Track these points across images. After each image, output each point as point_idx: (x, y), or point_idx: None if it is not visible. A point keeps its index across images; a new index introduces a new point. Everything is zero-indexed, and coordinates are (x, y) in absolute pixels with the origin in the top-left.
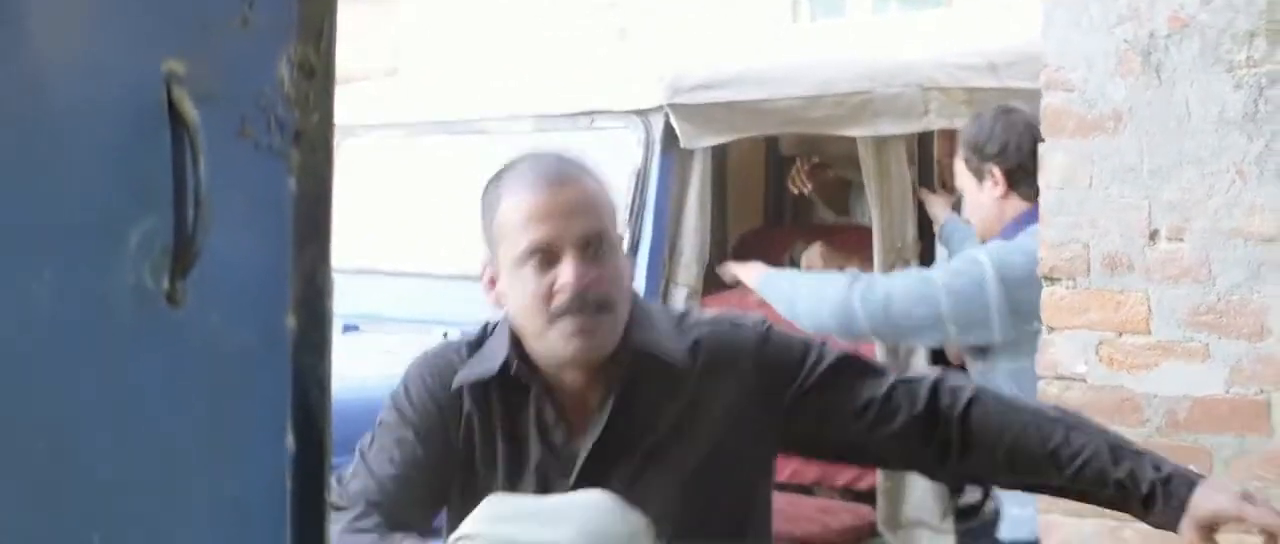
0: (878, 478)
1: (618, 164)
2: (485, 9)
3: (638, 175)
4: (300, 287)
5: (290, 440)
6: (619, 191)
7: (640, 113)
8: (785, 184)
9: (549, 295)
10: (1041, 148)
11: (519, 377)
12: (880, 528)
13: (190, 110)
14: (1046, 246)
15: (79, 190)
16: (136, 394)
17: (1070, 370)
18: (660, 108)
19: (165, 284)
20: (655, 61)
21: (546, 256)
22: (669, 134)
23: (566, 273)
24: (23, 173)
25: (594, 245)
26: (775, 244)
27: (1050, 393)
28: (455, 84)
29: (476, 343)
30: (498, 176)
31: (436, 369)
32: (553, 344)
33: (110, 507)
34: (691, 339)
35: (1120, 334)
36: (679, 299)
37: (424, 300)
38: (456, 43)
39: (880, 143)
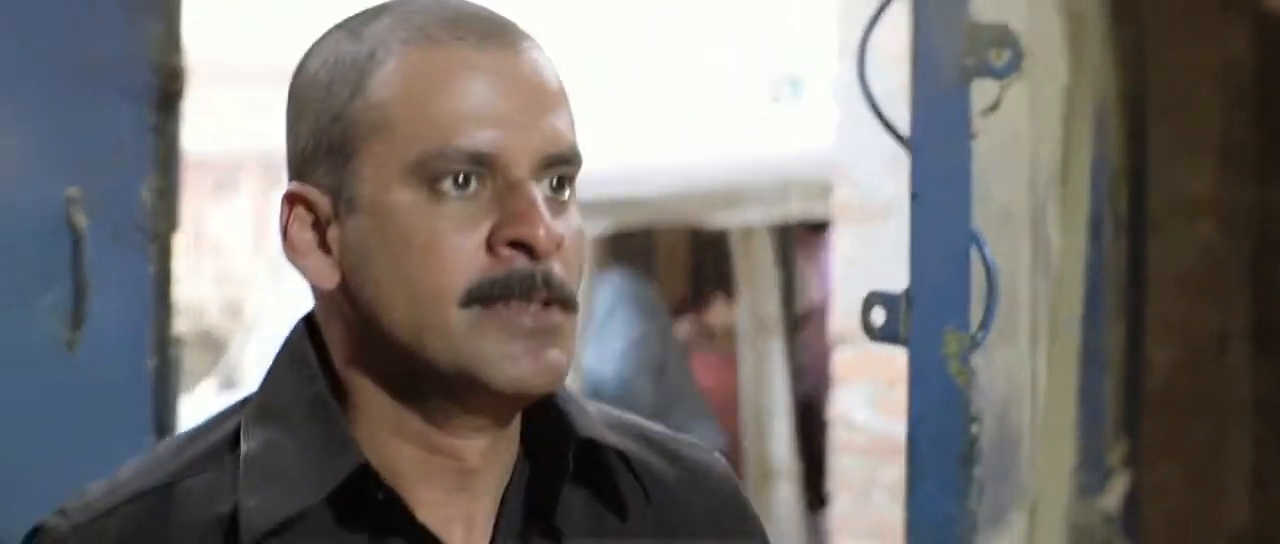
0: None
1: None
2: None
3: None
4: (156, 337)
5: (150, 441)
6: None
7: None
8: (705, 261)
9: (473, 259)
10: (835, 230)
11: (370, 488)
12: None
13: (81, 222)
14: (837, 314)
15: (9, 273)
16: (46, 410)
17: (854, 418)
18: None
19: (66, 335)
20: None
21: (475, 179)
22: None
23: (527, 219)
24: None
25: (564, 180)
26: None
27: (841, 438)
28: None
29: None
30: (356, 26)
31: None
32: (475, 357)
33: (22, 481)
34: (662, 448)
35: (892, 386)
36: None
37: None
38: None
39: (747, 229)
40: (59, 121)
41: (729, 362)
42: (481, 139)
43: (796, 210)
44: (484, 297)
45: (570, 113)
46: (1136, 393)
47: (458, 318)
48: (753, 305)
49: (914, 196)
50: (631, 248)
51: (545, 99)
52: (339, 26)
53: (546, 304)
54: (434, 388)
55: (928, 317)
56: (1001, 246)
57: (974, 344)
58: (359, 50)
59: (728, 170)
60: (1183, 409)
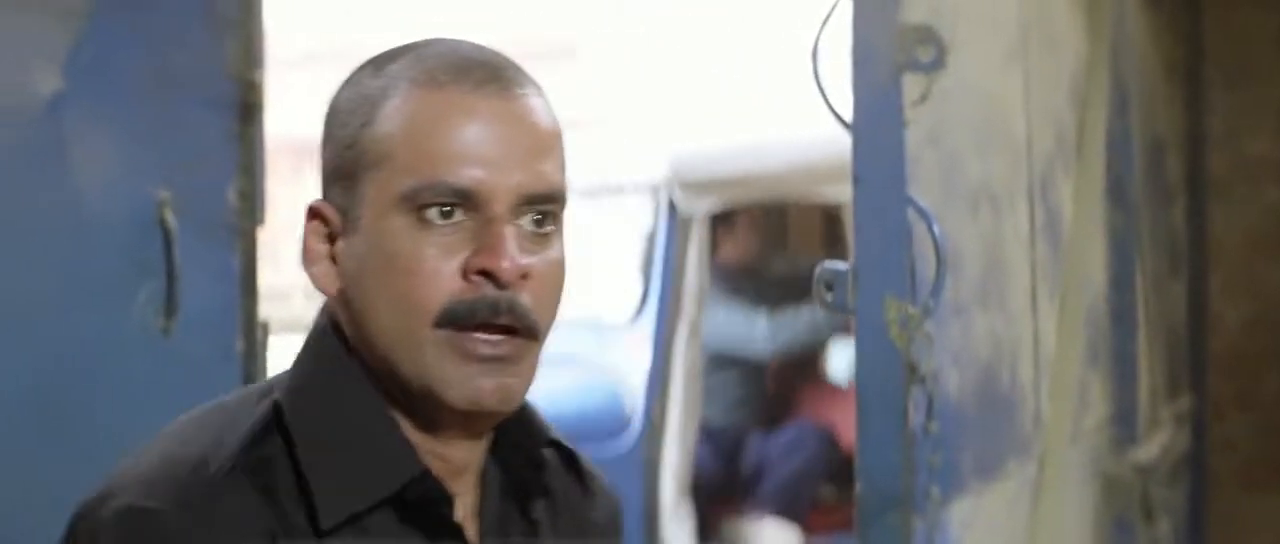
0: None
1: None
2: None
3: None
4: (243, 321)
5: None
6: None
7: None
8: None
9: (449, 283)
10: None
11: (429, 483)
12: None
13: (171, 221)
14: None
15: (108, 267)
16: (144, 389)
17: None
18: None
19: (161, 322)
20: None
21: (459, 211)
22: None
23: (494, 251)
24: (74, 258)
25: (546, 215)
26: None
27: None
28: None
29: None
30: (381, 62)
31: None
32: (437, 377)
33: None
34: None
35: None
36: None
37: None
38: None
39: None
40: (149, 131)
41: None
42: (466, 176)
43: None
44: (454, 319)
45: (560, 154)
46: (1201, 351)
47: (429, 337)
48: None
49: (855, 179)
50: (764, 224)
51: (533, 142)
52: (370, 61)
53: (508, 330)
54: (411, 397)
55: (870, 287)
56: (974, 220)
57: (925, 312)
58: (374, 86)
59: (836, 144)
60: (1254, 366)
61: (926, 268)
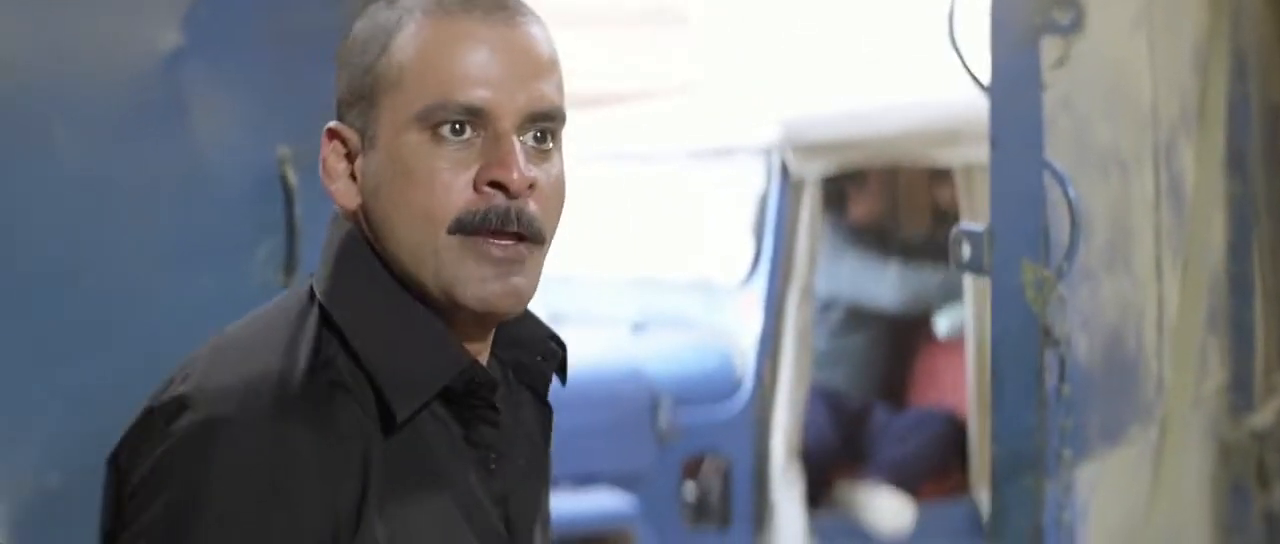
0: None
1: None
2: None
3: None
4: None
5: None
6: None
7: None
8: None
9: (461, 194)
10: None
11: (479, 370)
12: None
13: (292, 177)
14: None
15: (229, 225)
16: None
17: None
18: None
19: (280, 279)
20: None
21: (469, 128)
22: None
23: (504, 163)
24: (194, 216)
25: (547, 132)
26: None
27: None
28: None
29: (316, 342)
30: None
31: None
32: (451, 279)
33: None
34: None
35: None
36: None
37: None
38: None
39: (968, 167)
40: (269, 86)
41: None
42: (475, 95)
43: None
44: (467, 226)
45: (558, 77)
46: None
47: (444, 241)
48: None
49: (992, 142)
50: (873, 187)
51: (535, 65)
52: None
53: (517, 237)
54: (431, 299)
55: (1006, 249)
56: (1103, 185)
57: (1059, 274)
58: (389, 17)
59: (947, 108)
60: None
61: (1059, 231)
